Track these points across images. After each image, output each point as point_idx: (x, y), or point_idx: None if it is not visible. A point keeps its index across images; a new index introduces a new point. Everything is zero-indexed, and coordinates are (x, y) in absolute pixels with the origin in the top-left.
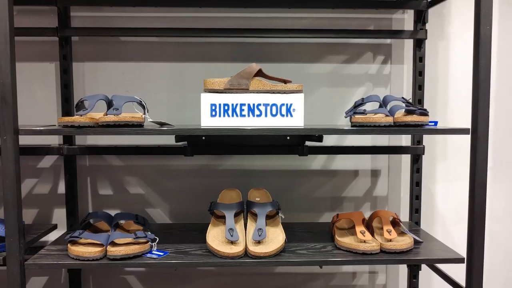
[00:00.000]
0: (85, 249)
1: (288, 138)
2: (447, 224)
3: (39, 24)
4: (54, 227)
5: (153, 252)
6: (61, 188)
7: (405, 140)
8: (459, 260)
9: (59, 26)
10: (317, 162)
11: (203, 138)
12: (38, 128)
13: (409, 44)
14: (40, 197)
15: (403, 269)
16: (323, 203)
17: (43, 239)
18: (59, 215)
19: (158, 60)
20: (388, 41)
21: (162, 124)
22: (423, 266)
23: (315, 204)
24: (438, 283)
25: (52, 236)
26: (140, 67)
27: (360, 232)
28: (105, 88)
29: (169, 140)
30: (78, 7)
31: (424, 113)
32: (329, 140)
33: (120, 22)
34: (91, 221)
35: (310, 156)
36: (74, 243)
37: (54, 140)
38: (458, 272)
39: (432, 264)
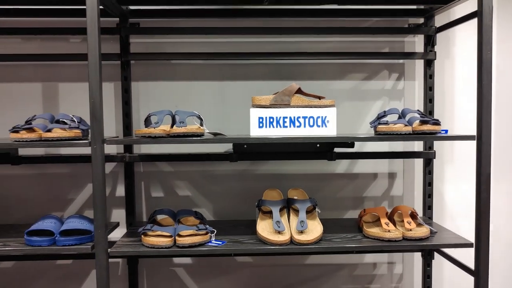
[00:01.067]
0: (158, 239)
1: (318, 145)
2: (455, 218)
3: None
4: (117, 224)
5: (213, 241)
6: (119, 191)
7: (417, 146)
8: (469, 245)
9: (121, 51)
10: (341, 166)
11: (245, 146)
12: (120, 138)
13: (420, 63)
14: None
15: (417, 260)
16: (347, 202)
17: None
18: (118, 215)
19: (202, 79)
20: (401, 61)
21: (216, 134)
22: (436, 256)
23: (340, 203)
24: (449, 269)
25: (114, 233)
26: (187, 85)
27: (385, 223)
28: (156, 104)
29: (213, 148)
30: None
31: (437, 123)
32: (351, 148)
33: (170, 47)
34: (157, 217)
35: (335, 162)
36: (146, 235)
37: (113, 150)
38: (466, 259)
39: (444, 252)
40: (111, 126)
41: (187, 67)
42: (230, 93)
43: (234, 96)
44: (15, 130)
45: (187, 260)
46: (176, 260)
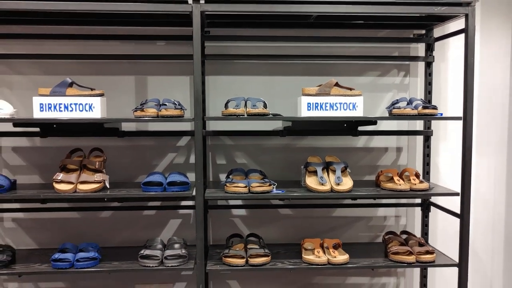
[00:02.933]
0: (236, 189)
1: (345, 125)
2: (446, 179)
3: (176, 51)
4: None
5: (275, 190)
6: (192, 159)
7: (418, 125)
8: (456, 194)
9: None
10: (360, 142)
11: (291, 125)
12: (215, 116)
13: (421, 64)
14: (179, 165)
15: (418, 213)
16: (364, 169)
17: None
18: (192, 177)
19: (256, 74)
20: (407, 62)
21: (275, 115)
22: (432, 209)
23: (360, 170)
24: (441, 220)
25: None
26: (244, 79)
27: (397, 179)
28: (221, 92)
29: (264, 126)
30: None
31: (435, 108)
32: (368, 127)
33: (233, 50)
34: (232, 175)
35: (356, 138)
36: (227, 186)
37: (187, 127)
38: (454, 208)
39: (438, 205)
40: (188, 110)
41: (244, 65)
42: (277, 85)
43: (280, 88)
44: (138, 109)
45: (242, 212)
46: (234, 211)
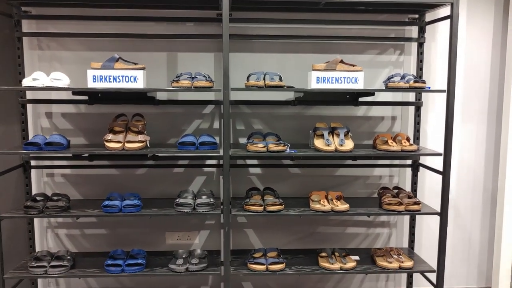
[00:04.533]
0: (256, 148)
1: (347, 96)
2: (433, 144)
3: (204, 32)
4: (219, 144)
5: (288, 150)
6: (216, 125)
7: (411, 97)
8: (439, 154)
9: (222, 33)
10: (360, 111)
11: (301, 96)
12: (239, 87)
13: (414, 44)
14: (204, 130)
15: (408, 173)
16: (364, 135)
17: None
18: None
19: (270, 52)
20: (402, 42)
21: (289, 86)
22: (421, 169)
23: (360, 136)
24: (429, 179)
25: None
26: (260, 56)
27: (390, 142)
28: (241, 68)
29: (277, 96)
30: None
31: (424, 82)
32: (368, 98)
33: (251, 30)
34: (252, 137)
35: (357, 108)
36: (248, 146)
37: (211, 96)
38: (439, 168)
39: (425, 165)
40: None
41: (260, 44)
42: (290, 62)
43: (293, 64)
44: (174, 81)
45: (258, 171)
46: (251, 170)
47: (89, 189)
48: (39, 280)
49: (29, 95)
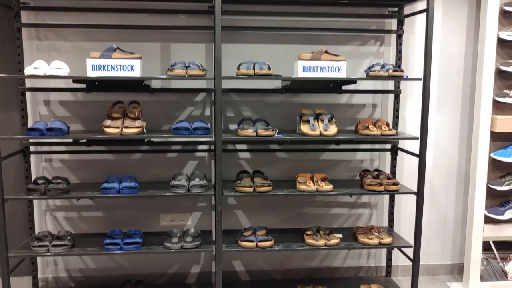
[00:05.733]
0: (246, 133)
1: (331, 85)
2: (411, 129)
3: (197, 23)
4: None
5: (277, 135)
6: (207, 112)
7: (390, 85)
8: (416, 138)
9: (214, 24)
10: (343, 99)
11: (289, 84)
12: (231, 76)
13: (394, 36)
14: (196, 117)
15: (388, 158)
16: (346, 121)
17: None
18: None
19: (260, 43)
20: (383, 34)
21: (278, 75)
22: (400, 153)
23: (343, 122)
24: (407, 162)
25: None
26: (250, 46)
27: (371, 127)
28: (231, 57)
29: (265, 85)
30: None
31: (402, 71)
32: (350, 86)
33: (242, 22)
34: (242, 123)
35: (340, 95)
36: (239, 131)
37: (203, 85)
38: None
39: (403, 149)
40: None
41: (250, 35)
42: (278, 52)
43: (280, 54)
44: (169, 69)
45: (247, 156)
46: (241, 155)
47: (87, 174)
48: (39, 261)
49: (28, 83)
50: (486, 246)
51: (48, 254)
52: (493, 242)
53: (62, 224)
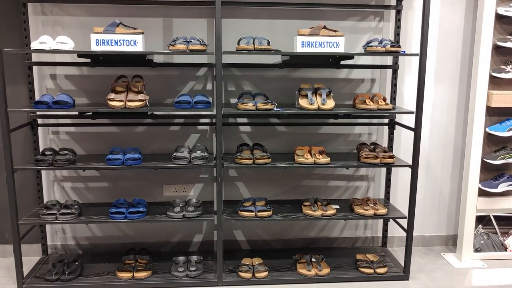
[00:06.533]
0: (246, 107)
1: (330, 60)
2: (408, 104)
3: None
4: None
5: (275, 109)
6: (209, 86)
7: (389, 60)
8: (411, 112)
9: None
10: (342, 74)
11: (288, 59)
12: (231, 50)
13: (393, 12)
14: (198, 91)
15: (385, 131)
16: (345, 96)
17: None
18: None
19: (260, 18)
20: (382, 10)
21: (277, 50)
22: (397, 128)
23: (341, 96)
24: (404, 136)
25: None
26: (250, 22)
27: (368, 102)
28: (232, 33)
29: (266, 59)
30: None
31: (399, 46)
32: (349, 62)
33: None
34: (242, 97)
35: (339, 71)
36: (239, 105)
37: (204, 59)
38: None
39: (400, 123)
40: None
41: (250, 10)
42: (277, 27)
43: (280, 29)
44: (171, 44)
45: (248, 129)
46: (241, 128)
47: (92, 146)
48: (48, 229)
49: (35, 57)
50: (487, 221)
51: (56, 221)
52: (494, 216)
53: (69, 194)
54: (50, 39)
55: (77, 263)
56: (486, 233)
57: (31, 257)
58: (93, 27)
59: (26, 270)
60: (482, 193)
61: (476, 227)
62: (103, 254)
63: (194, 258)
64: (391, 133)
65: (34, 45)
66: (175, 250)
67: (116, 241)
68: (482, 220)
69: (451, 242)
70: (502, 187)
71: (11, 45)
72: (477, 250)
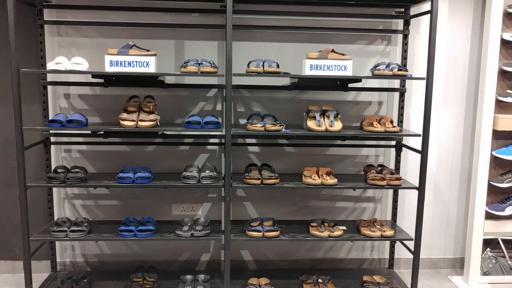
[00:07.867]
0: (255, 127)
1: (338, 82)
2: (415, 127)
3: (209, 22)
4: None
5: (284, 130)
6: (218, 107)
7: (396, 84)
8: (418, 135)
9: (226, 24)
10: (350, 96)
11: (297, 81)
12: (240, 72)
13: (400, 36)
14: (208, 112)
15: (392, 153)
16: (353, 118)
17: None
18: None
19: (269, 41)
20: (389, 34)
21: (286, 73)
22: (404, 150)
23: (349, 118)
24: (411, 158)
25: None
26: (259, 45)
27: (375, 124)
28: (242, 55)
29: (274, 82)
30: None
31: (406, 70)
32: (357, 84)
33: (251, 21)
34: (251, 118)
35: (347, 93)
36: (248, 126)
37: (215, 81)
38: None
39: (407, 145)
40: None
41: (260, 33)
42: (286, 50)
43: (289, 52)
44: (183, 66)
45: (256, 149)
46: (250, 148)
47: (103, 164)
48: (57, 245)
49: (50, 77)
50: (495, 244)
51: (66, 238)
52: (502, 240)
53: (79, 211)
54: (65, 60)
55: (85, 280)
56: (494, 256)
57: (40, 274)
58: (107, 49)
59: (35, 286)
60: (489, 216)
61: (484, 250)
62: (111, 271)
63: (201, 277)
64: (398, 155)
65: (50, 65)
66: (182, 269)
67: (124, 259)
68: (490, 243)
69: (459, 265)
70: (509, 210)
71: (27, 65)
72: (485, 273)
